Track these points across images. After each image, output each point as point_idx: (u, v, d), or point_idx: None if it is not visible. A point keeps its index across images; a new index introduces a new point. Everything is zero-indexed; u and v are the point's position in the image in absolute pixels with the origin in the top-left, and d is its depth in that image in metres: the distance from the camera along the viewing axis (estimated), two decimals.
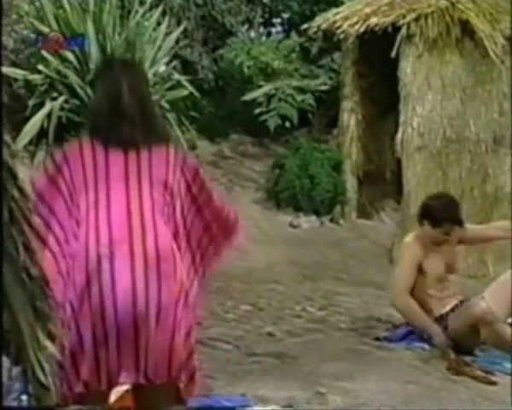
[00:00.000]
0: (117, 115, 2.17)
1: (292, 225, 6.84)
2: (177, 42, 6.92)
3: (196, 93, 6.64)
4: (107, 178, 2.10)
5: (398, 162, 6.82)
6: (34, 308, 0.97)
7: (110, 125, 2.18)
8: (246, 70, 7.41)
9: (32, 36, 6.30)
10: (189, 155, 2.44)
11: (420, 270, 4.05)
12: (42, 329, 0.99)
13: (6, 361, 0.96)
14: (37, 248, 1.03)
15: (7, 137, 1.04)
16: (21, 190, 1.03)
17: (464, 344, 3.97)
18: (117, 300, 1.96)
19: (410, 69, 6.64)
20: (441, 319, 4.05)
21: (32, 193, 1.06)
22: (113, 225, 2.03)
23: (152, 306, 1.97)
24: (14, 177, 1.03)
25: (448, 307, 4.07)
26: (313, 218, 6.91)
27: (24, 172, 2.16)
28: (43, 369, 0.97)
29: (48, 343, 0.99)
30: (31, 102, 5.89)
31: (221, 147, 7.67)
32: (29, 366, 0.96)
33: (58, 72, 5.96)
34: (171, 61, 6.55)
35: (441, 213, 4.05)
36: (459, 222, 4.12)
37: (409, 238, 4.23)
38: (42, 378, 0.97)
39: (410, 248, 4.07)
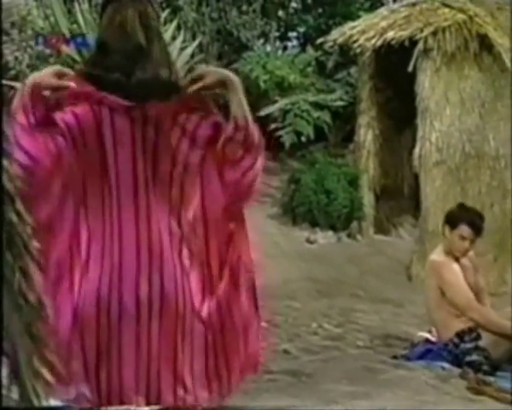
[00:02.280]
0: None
1: (308, 241, 6.83)
2: (192, 56, 6.97)
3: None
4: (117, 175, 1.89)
5: (416, 177, 6.79)
6: (31, 335, 0.99)
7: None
8: (262, 84, 7.44)
9: (47, 51, 6.40)
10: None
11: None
12: (38, 356, 0.99)
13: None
14: (35, 274, 1.04)
15: (5, 161, 1.02)
16: (19, 215, 1.01)
17: (498, 354, 3.98)
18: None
19: (428, 84, 6.62)
20: (470, 333, 4.07)
21: (29, 217, 1.07)
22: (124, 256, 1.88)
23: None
24: (13, 200, 1.02)
25: (471, 323, 4.09)
26: (330, 233, 6.89)
27: None
28: (38, 396, 0.99)
29: (44, 371, 1.00)
30: None
31: None
32: (24, 393, 0.98)
33: None
34: (185, 76, 6.59)
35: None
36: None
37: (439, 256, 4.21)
38: (36, 404, 0.99)
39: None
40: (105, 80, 1.95)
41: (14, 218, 1.00)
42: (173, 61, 2.10)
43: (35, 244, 1.03)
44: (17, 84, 6.36)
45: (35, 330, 0.98)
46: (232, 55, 8.26)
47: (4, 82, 6.20)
